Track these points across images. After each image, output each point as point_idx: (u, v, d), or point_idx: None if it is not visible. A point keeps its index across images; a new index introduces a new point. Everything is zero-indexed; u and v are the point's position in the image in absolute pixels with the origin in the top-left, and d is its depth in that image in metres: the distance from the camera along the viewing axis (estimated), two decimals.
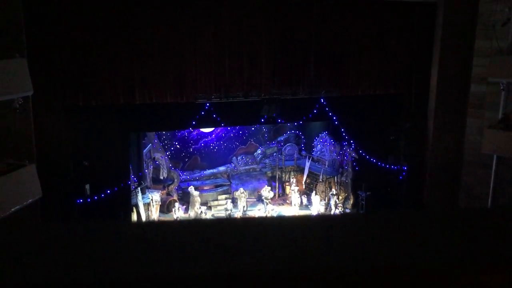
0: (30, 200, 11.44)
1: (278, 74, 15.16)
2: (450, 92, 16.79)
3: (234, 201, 17.93)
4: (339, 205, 17.23)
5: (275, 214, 18.17)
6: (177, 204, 16.76)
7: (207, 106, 15.04)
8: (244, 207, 18.46)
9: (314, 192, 17.82)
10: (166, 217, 17.24)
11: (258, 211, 16.73)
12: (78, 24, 12.68)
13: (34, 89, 11.56)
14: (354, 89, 15.96)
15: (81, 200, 13.45)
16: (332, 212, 17.47)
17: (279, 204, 19.00)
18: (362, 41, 15.75)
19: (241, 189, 18.81)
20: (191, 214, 17.96)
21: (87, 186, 13.66)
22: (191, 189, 18.24)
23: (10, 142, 11.26)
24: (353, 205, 18.32)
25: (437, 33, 16.58)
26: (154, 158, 18.73)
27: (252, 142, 21.21)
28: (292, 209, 17.33)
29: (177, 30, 13.74)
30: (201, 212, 16.16)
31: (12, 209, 10.96)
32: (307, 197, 18.69)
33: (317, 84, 15.82)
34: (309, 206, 18.12)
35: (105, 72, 13.21)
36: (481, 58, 16.00)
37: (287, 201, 18.37)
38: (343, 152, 18.76)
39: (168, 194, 18.67)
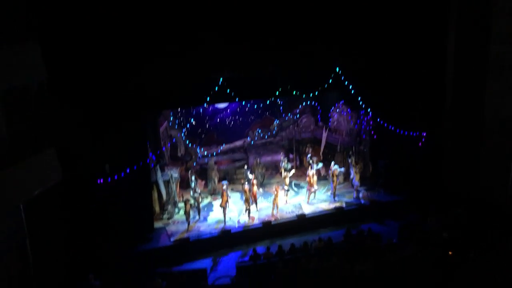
0: (51, 183, 11.65)
1: (292, 44, 14.91)
2: (469, 55, 16.29)
3: (252, 172, 17.99)
4: (357, 172, 17.09)
5: (293, 185, 18.21)
6: (193, 179, 16.83)
7: (221, 81, 14.93)
8: (261, 178, 18.58)
9: (332, 162, 17.70)
10: (186, 192, 17.38)
11: (277, 183, 16.79)
12: (89, 4, 12.56)
13: (49, 73, 11.61)
14: (369, 55, 15.67)
15: (102, 180, 13.63)
16: (352, 181, 17.37)
17: (298, 176, 19.00)
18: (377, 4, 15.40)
19: (257, 160, 18.89)
20: (209, 188, 18.14)
21: (107, 166, 13.82)
22: (211, 162, 18.34)
23: (29, 127, 11.39)
24: (372, 174, 18.21)
25: None
26: (171, 135, 18.81)
27: (268, 115, 21.07)
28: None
29: (187, 8, 13.56)
30: (224, 187, 16.12)
31: (35, 192, 11.21)
32: (325, 168, 18.62)
33: (332, 52, 15.57)
34: (327, 177, 18.05)
35: (119, 50, 13.16)
36: (501, 17, 15.39)
37: (306, 172, 18.29)
38: (361, 121, 18.53)
39: (187, 170, 18.81)
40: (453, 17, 16.14)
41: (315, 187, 16.94)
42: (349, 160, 17.61)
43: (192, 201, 16.10)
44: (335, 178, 16.96)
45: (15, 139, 10.88)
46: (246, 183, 16.24)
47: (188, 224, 15.31)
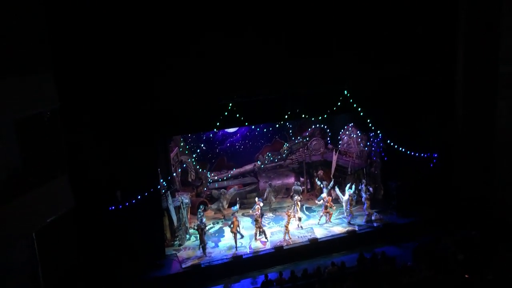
0: (64, 210, 11.73)
1: (299, 67, 15.05)
2: (478, 75, 16.31)
3: (263, 199, 17.90)
4: (368, 198, 16.89)
5: (304, 209, 18.08)
6: (202, 206, 16.78)
7: (231, 106, 15.05)
8: (272, 202, 18.50)
9: (344, 185, 17.58)
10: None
11: (288, 208, 16.69)
12: (98, 33, 12.87)
13: (61, 101, 11.83)
14: (378, 72, 15.71)
15: (113, 207, 13.66)
16: (364, 204, 17.19)
17: (308, 199, 18.88)
18: (386, 23, 15.55)
19: (268, 185, 18.83)
20: (217, 211, 18.03)
21: (118, 193, 13.88)
22: (214, 190, 18.37)
23: (41, 155, 11.53)
24: (384, 196, 18.03)
25: (461, 14, 16.15)
26: (181, 161, 18.89)
27: (277, 139, 21.12)
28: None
29: (196, 32, 13.82)
30: (235, 211, 15.99)
31: (48, 220, 11.27)
32: (336, 191, 18.47)
33: (341, 73, 15.63)
34: (339, 200, 17.90)
35: (129, 79, 13.40)
36: (509, 37, 15.48)
37: (316, 195, 18.19)
38: (371, 143, 18.47)
39: (198, 195, 18.79)
40: (462, 38, 16.23)
41: (334, 208, 16.86)
42: (361, 187, 17.36)
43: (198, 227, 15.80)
44: (353, 202, 16.84)
45: (28, 167, 11.02)
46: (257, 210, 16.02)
47: (203, 249, 15.08)
